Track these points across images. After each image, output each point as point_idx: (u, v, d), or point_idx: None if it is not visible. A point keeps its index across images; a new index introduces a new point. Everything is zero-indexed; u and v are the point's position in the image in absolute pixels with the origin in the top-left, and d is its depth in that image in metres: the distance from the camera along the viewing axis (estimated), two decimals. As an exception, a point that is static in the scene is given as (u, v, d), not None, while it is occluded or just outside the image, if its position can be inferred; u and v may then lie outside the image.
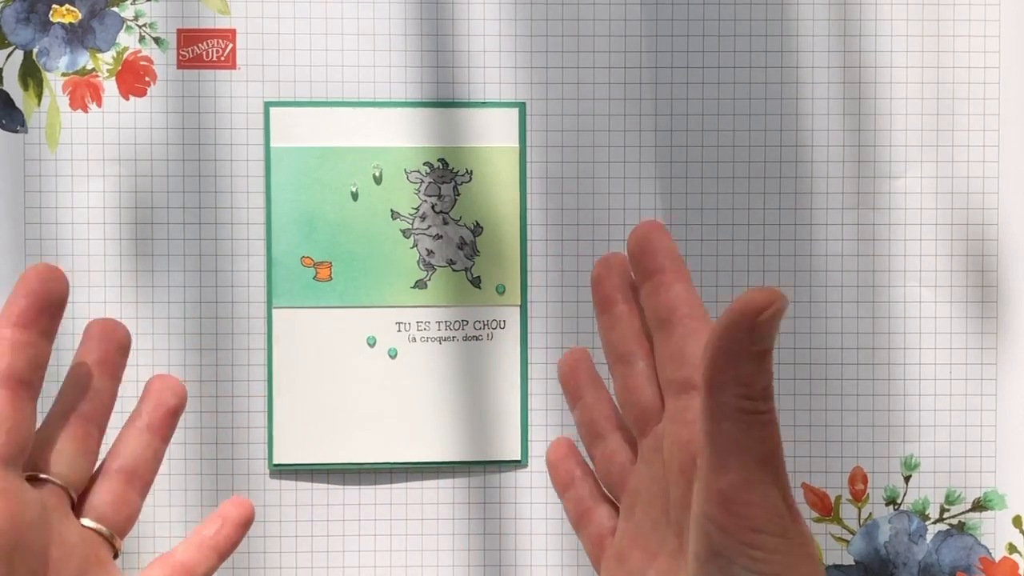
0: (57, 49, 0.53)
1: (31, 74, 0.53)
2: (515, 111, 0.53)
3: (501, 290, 0.54)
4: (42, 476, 0.30)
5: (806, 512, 0.54)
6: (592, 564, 0.32)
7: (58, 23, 0.53)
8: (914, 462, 0.54)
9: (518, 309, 0.54)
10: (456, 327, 0.53)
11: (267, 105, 0.53)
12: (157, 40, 0.53)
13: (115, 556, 0.32)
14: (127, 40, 0.53)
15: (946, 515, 0.54)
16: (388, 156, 0.53)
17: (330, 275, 0.53)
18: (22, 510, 0.28)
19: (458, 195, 0.53)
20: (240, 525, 0.34)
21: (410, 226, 0.53)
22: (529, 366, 0.54)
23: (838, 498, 0.54)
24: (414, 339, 0.53)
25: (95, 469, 0.32)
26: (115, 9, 0.53)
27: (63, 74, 0.53)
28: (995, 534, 0.54)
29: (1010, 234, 0.54)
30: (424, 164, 0.53)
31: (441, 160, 0.53)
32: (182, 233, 0.53)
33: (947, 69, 0.54)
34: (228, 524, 0.34)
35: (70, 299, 0.53)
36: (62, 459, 0.31)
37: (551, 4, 0.53)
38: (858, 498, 0.54)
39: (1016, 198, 0.54)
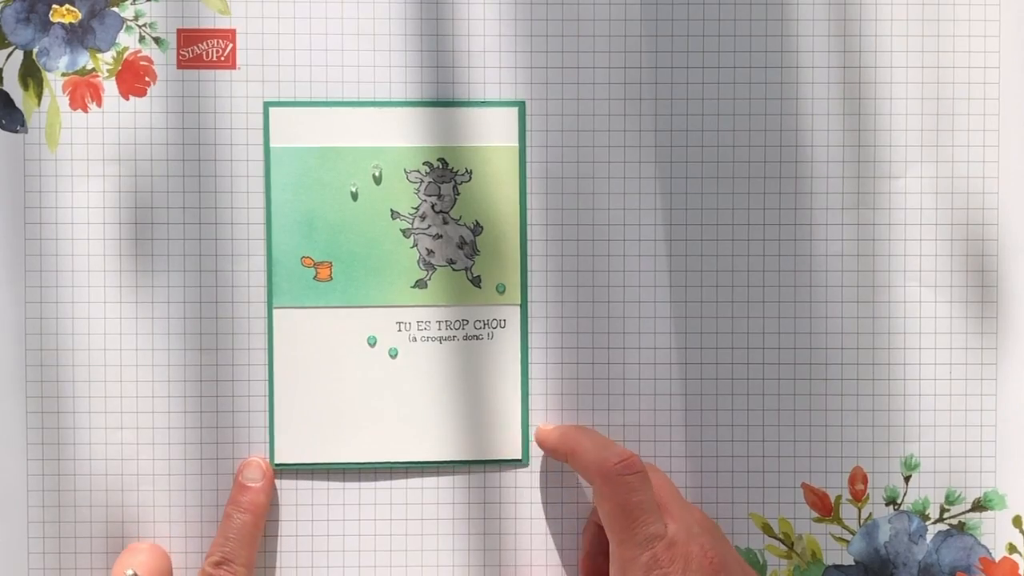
0: (57, 49, 0.53)
1: (31, 74, 0.53)
2: (515, 111, 0.53)
3: (501, 290, 0.54)
4: None
5: (806, 512, 0.54)
6: None
7: (58, 23, 0.53)
8: (914, 462, 0.54)
9: (518, 309, 0.54)
10: (456, 327, 0.53)
11: (267, 105, 0.53)
12: (157, 40, 0.53)
13: None
14: (127, 40, 0.53)
15: (946, 515, 0.54)
16: (388, 156, 0.53)
17: (330, 275, 0.53)
18: None
19: (458, 195, 0.53)
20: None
21: (410, 226, 0.53)
22: (529, 366, 0.54)
23: (838, 498, 0.54)
24: (414, 339, 0.53)
25: None
26: (115, 9, 0.53)
27: (63, 74, 0.53)
28: (995, 534, 0.54)
29: (1010, 234, 0.54)
30: (424, 164, 0.53)
31: (441, 160, 0.53)
32: (182, 233, 0.53)
33: (947, 69, 0.54)
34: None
35: (70, 299, 0.53)
36: None
37: (551, 4, 0.53)
38: (858, 498, 0.54)
39: (1016, 198, 0.54)
